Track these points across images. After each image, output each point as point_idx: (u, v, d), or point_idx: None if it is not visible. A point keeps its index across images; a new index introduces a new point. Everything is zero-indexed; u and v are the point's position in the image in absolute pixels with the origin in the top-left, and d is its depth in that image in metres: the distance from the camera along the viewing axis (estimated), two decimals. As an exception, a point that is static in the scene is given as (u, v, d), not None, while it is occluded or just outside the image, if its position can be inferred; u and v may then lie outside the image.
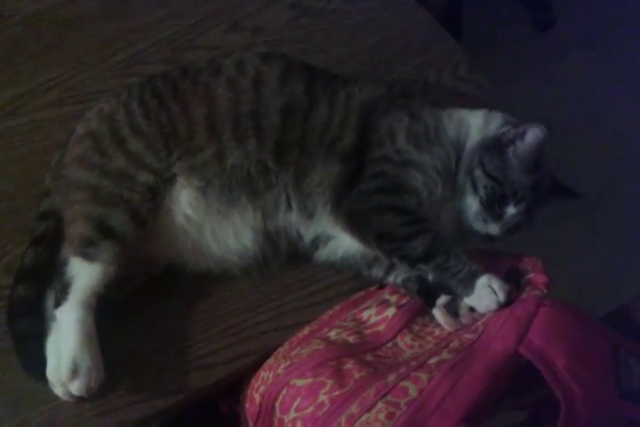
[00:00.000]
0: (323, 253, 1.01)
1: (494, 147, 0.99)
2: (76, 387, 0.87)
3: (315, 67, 1.07)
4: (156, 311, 0.98)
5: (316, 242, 1.00)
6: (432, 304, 0.92)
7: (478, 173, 0.98)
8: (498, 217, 0.98)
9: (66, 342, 0.88)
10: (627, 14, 2.37)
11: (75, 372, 0.87)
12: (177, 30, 1.28)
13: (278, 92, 1.01)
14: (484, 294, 0.88)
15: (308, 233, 1.00)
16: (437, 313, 0.91)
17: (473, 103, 1.21)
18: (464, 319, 0.90)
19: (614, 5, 2.39)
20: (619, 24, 2.38)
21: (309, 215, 0.99)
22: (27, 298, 0.94)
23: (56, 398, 0.89)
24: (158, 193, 0.97)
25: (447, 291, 0.92)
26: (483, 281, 0.89)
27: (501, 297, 0.87)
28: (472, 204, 0.98)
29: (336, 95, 1.02)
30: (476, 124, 1.03)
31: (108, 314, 0.95)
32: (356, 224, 0.97)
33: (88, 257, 0.92)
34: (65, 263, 0.93)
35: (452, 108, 1.05)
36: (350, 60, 1.25)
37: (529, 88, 2.16)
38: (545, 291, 0.89)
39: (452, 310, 0.90)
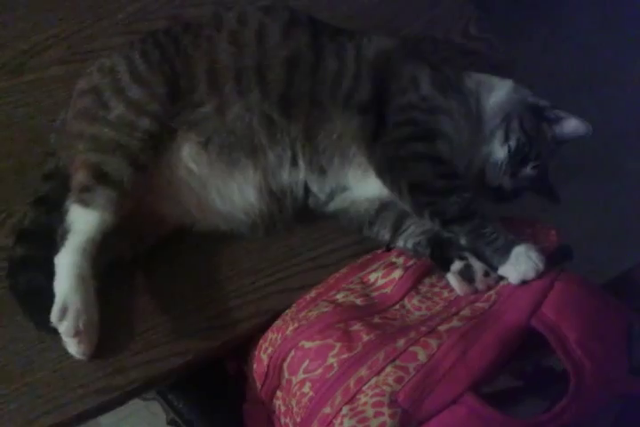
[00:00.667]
0: (331, 205, 1.01)
1: (533, 112, 1.03)
2: (64, 328, 0.87)
3: (319, 20, 1.05)
4: (163, 273, 0.98)
5: (332, 195, 1.01)
6: (446, 269, 0.91)
7: (515, 124, 1.01)
8: (514, 172, 1.01)
9: (59, 284, 0.89)
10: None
11: (63, 312, 0.86)
12: (180, -15, 1.25)
13: (282, 45, 0.99)
14: (523, 262, 0.86)
15: (323, 188, 0.99)
16: (452, 279, 0.90)
17: (483, 62, 1.20)
18: (479, 285, 0.89)
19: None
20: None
21: (321, 171, 0.98)
22: (26, 258, 0.94)
23: (67, 358, 0.90)
24: (160, 141, 0.96)
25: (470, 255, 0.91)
26: (520, 250, 0.87)
27: (540, 266, 0.86)
28: (498, 151, 1.01)
29: (343, 47, 1.01)
30: (503, 85, 1.05)
31: (118, 275, 0.96)
32: (391, 171, 0.96)
33: (84, 203, 0.92)
34: (66, 212, 0.93)
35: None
36: (357, 17, 1.23)
37: (537, 46, 2.12)
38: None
39: (467, 275, 0.89)
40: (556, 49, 2.17)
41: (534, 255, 0.87)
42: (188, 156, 0.97)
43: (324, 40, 1.01)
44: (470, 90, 1.03)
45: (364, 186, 0.99)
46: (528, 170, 1.01)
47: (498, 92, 1.04)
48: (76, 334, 0.87)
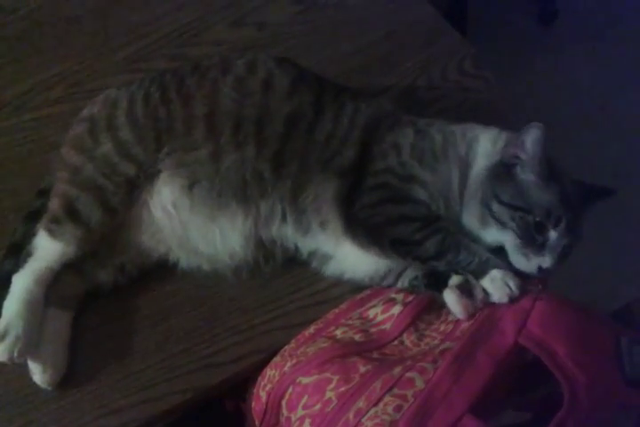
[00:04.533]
0: (327, 273, 1.00)
1: (502, 173, 0.92)
2: None
3: (326, 79, 1.04)
4: (162, 310, 0.98)
5: (312, 257, 1.00)
6: (444, 287, 0.91)
7: (496, 206, 0.91)
8: (541, 246, 0.89)
9: (8, 305, 0.92)
10: (630, 7, 2.36)
11: (3, 336, 0.89)
12: (181, 25, 1.27)
13: (286, 100, 0.98)
14: (498, 287, 0.87)
15: (304, 248, 0.99)
16: (451, 295, 0.89)
17: (478, 99, 1.21)
18: (479, 302, 0.88)
19: (617, -1, 2.39)
20: (622, 17, 2.37)
21: (305, 231, 0.97)
22: (13, 272, 0.95)
23: (65, 397, 0.90)
24: (137, 186, 0.98)
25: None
26: (496, 274, 0.88)
27: (516, 292, 0.87)
28: (506, 239, 0.91)
29: (343, 109, 1.00)
30: (483, 148, 0.96)
31: (112, 311, 0.97)
32: (372, 238, 0.95)
33: (51, 233, 0.95)
34: (36, 233, 0.96)
35: (467, 123, 1.00)
36: (355, 55, 1.24)
37: (531, 81, 2.15)
38: (540, 286, 0.89)
39: (467, 289, 0.89)
40: (550, 85, 2.19)
41: (511, 282, 0.87)
42: (168, 199, 0.97)
43: (328, 100, 1.00)
44: (459, 156, 0.96)
45: (344, 254, 0.98)
46: (553, 233, 0.89)
47: (477, 164, 0.95)
48: (10, 359, 0.88)
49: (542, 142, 0.90)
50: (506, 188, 0.91)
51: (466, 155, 0.96)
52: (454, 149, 0.97)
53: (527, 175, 0.92)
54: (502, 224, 0.90)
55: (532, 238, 0.89)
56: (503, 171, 0.93)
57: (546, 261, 0.89)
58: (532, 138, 0.90)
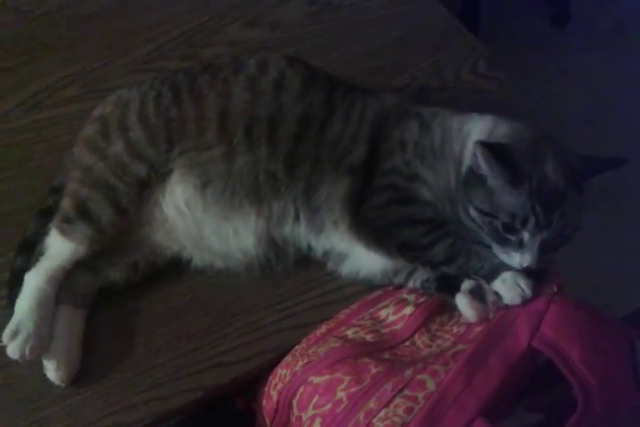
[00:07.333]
0: (342, 272, 1.00)
1: (473, 178, 0.90)
2: (10, 349, 0.89)
3: (335, 77, 1.04)
4: (173, 309, 0.98)
5: (327, 257, 0.99)
6: (456, 291, 0.90)
7: (472, 211, 0.90)
8: (520, 244, 0.88)
9: (20, 304, 0.92)
10: (641, 12, 2.37)
11: (15, 334, 0.89)
12: (194, 26, 1.28)
13: (298, 99, 0.98)
14: (509, 288, 0.87)
15: (318, 247, 0.99)
16: (463, 300, 0.89)
17: (491, 100, 1.21)
18: (491, 306, 0.88)
19: (631, 2, 2.38)
20: (634, 22, 2.36)
21: (318, 231, 0.97)
22: (25, 270, 0.96)
23: (77, 394, 0.90)
24: (148, 187, 0.98)
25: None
26: (507, 276, 0.88)
27: (527, 292, 0.87)
28: (488, 241, 0.90)
29: (352, 107, 0.99)
30: (471, 144, 0.92)
31: (125, 309, 0.97)
32: (378, 239, 0.95)
33: (62, 232, 0.96)
34: (48, 232, 0.97)
35: (466, 114, 0.98)
36: (369, 56, 1.25)
37: (543, 83, 2.14)
38: (555, 289, 0.89)
39: (479, 294, 0.89)
40: (562, 87, 2.19)
41: (522, 282, 0.87)
42: (181, 199, 0.98)
43: (337, 98, 0.99)
44: (454, 154, 0.94)
45: (359, 252, 0.98)
46: (526, 235, 0.87)
47: (464, 163, 0.93)
48: (21, 357, 0.89)
49: (491, 159, 0.86)
50: (477, 192, 0.89)
51: (459, 152, 0.94)
52: (450, 146, 0.95)
53: (492, 181, 0.88)
54: (480, 228, 0.90)
55: (505, 240, 0.88)
56: (475, 175, 0.90)
57: (525, 258, 0.88)
58: (480, 156, 0.87)
